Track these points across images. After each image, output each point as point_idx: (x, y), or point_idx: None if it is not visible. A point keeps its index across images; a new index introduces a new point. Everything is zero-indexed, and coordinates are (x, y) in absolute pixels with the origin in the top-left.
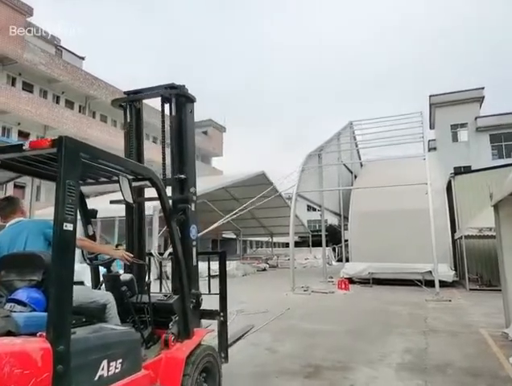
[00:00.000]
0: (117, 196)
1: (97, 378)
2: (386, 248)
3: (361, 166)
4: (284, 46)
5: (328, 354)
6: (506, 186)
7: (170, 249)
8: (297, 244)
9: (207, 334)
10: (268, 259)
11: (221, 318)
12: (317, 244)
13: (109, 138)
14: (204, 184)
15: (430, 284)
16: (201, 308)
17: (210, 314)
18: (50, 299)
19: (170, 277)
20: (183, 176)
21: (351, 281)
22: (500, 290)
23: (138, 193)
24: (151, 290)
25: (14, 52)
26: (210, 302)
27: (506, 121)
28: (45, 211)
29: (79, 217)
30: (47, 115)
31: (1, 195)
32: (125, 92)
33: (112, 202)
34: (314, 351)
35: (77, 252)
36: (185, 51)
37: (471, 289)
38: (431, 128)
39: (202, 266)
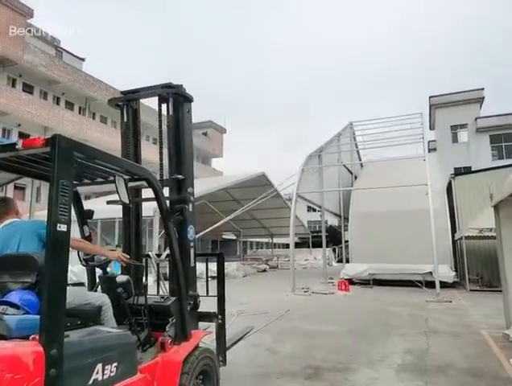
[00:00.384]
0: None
1: (91, 382)
2: (387, 249)
3: (362, 166)
4: (284, 46)
5: (328, 355)
6: (506, 187)
7: (167, 251)
8: (297, 245)
9: (205, 336)
10: (268, 260)
11: (219, 321)
12: (317, 244)
13: (109, 139)
14: (204, 185)
15: (430, 285)
16: (199, 310)
17: (208, 317)
18: (43, 301)
19: (168, 278)
20: (180, 176)
21: (351, 281)
22: (500, 291)
23: (135, 193)
24: (149, 292)
25: (14, 54)
26: (208, 304)
27: (506, 121)
28: (45, 213)
29: (75, 218)
30: (47, 116)
31: (1, 196)
32: (122, 92)
33: (109, 202)
34: (314, 351)
35: (74, 253)
36: (185, 51)
37: (471, 290)
38: (431, 129)
39: (201, 267)
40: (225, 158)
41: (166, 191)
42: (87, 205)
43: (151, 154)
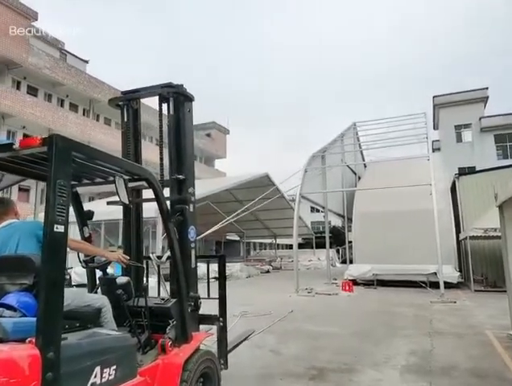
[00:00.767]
0: None
1: (89, 385)
2: (391, 250)
3: (365, 167)
4: (284, 46)
5: (332, 356)
6: (511, 187)
7: (168, 253)
8: (300, 246)
9: (206, 338)
10: (272, 261)
11: (221, 324)
12: (321, 245)
13: (113, 141)
14: (207, 186)
15: (435, 285)
16: (200, 313)
17: (209, 319)
18: (39, 303)
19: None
20: (181, 176)
21: (355, 282)
22: (505, 291)
23: (136, 194)
24: (151, 294)
25: (19, 56)
26: (209, 307)
27: (511, 121)
28: None
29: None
30: (51, 118)
31: (11, 199)
32: (122, 92)
33: (109, 203)
34: (318, 353)
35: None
36: (185, 52)
37: (476, 291)
38: (434, 128)
39: (203, 269)
40: (227, 159)
41: (167, 192)
42: (90, 206)
43: (154, 155)
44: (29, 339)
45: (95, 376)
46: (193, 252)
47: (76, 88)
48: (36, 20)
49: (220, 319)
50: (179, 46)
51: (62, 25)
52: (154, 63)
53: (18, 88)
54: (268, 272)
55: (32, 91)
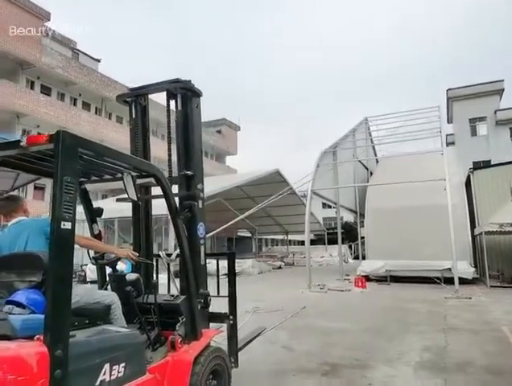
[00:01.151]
0: None
1: (98, 383)
2: (404, 245)
3: (377, 162)
4: (284, 46)
5: (345, 352)
6: None
7: (178, 251)
8: (312, 242)
9: (216, 335)
10: (284, 257)
11: (231, 322)
12: (333, 241)
13: (125, 139)
14: (218, 183)
15: (449, 281)
16: (210, 311)
17: (219, 317)
18: (47, 300)
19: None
20: (189, 172)
21: (368, 278)
22: None
23: (144, 191)
24: (161, 291)
25: (32, 56)
26: (219, 305)
27: None
28: None
29: (84, 217)
30: (64, 117)
31: (21, 196)
32: (129, 89)
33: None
34: (331, 349)
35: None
36: (194, 50)
37: (492, 286)
38: (448, 122)
39: (214, 266)
40: (238, 156)
41: (176, 189)
42: (104, 204)
43: (163, 152)
44: (37, 337)
45: (104, 374)
46: (202, 248)
47: (89, 87)
48: (49, 20)
49: (230, 317)
50: (187, 44)
51: (73, 24)
52: (165, 61)
53: (31, 87)
54: (280, 268)
55: (46, 90)
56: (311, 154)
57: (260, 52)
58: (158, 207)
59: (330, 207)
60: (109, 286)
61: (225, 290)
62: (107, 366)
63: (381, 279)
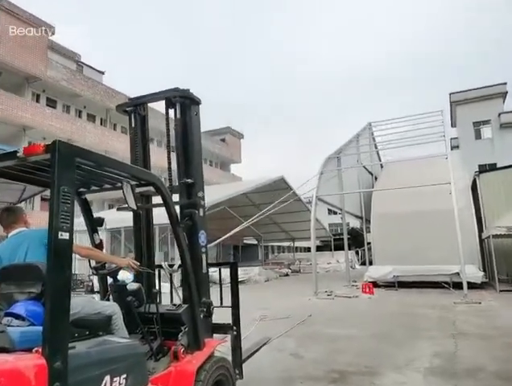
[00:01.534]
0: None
1: None
2: (411, 250)
3: (381, 167)
4: (290, 53)
5: (353, 359)
6: None
7: (180, 261)
8: (319, 249)
9: (219, 344)
10: (290, 264)
11: (234, 333)
12: (339, 247)
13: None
14: (223, 191)
15: (458, 286)
16: (213, 322)
17: (222, 328)
18: (45, 312)
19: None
20: (190, 180)
21: (375, 284)
22: None
23: (145, 200)
24: (165, 301)
25: (38, 70)
26: (225, 316)
27: None
28: None
29: (83, 227)
30: (70, 129)
31: (28, 208)
32: (129, 98)
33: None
34: (339, 356)
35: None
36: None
37: (501, 291)
38: (452, 126)
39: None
40: (243, 164)
41: (176, 198)
42: (110, 213)
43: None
44: (35, 349)
45: (105, 385)
46: (204, 257)
47: (93, 99)
48: (53, 34)
49: (234, 328)
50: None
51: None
52: (166, 75)
53: (37, 100)
54: (287, 275)
55: (51, 103)
56: (317, 159)
57: (263, 59)
58: (162, 216)
59: (336, 213)
60: (111, 296)
61: (228, 300)
62: (108, 377)
63: (389, 285)
